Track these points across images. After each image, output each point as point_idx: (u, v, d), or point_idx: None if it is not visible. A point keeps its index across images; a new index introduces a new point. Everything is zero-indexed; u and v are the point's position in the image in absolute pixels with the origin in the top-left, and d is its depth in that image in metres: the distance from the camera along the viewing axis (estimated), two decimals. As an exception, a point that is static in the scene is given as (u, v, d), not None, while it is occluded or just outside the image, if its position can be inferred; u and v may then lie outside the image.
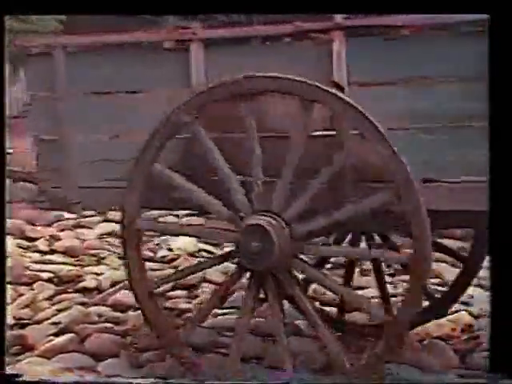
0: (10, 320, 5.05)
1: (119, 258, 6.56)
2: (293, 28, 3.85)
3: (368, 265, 6.69)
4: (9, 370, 3.94)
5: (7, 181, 4.03)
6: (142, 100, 4.16)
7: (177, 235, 6.17)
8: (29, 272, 6.37)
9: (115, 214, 6.46)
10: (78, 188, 4.29)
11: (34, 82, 4.35)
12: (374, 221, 3.82)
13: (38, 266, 6.57)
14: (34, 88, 4.35)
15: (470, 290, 5.44)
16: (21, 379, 3.76)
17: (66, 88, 4.24)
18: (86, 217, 8.04)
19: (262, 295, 3.86)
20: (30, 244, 7.25)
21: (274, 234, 3.62)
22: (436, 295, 5.19)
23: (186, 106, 3.78)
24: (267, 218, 3.67)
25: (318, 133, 3.75)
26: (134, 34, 4.13)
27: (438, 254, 5.37)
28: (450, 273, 5.88)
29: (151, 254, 6.74)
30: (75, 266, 6.59)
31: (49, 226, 7.78)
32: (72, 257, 6.73)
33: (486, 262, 4.88)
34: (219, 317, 5.34)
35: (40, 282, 6.20)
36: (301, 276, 3.99)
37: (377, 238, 5.09)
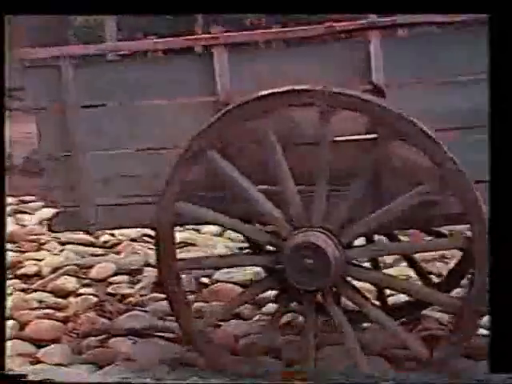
0: None
1: (60, 243, 6.49)
2: (325, 29, 3.76)
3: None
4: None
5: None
6: (163, 110, 3.98)
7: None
8: (-33, 258, 6.25)
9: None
10: (96, 206, 4.08)
11: (38, 95, 4.07)
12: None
13: (-24, 253, 6.45)
14: (39, 101, 4.08)
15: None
16: (23, 379, 3.77)
17: (77, 100, 4.02)
18: (26, 202, 7.93)
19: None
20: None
21: (327, 249, 3.59)
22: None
23: (205, 134, 3.68)
24: (318, 233, 3.63)
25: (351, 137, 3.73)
26: (153, 42, 4.03)
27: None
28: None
29: (93, 240, 6.68)
30: (15, 251, 6.50)
31: (-12, 211, 7.64)
32: (12, 243, 6.64)
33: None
34: (160, 302, 5.32)
35: (-21, 269, 6.09)
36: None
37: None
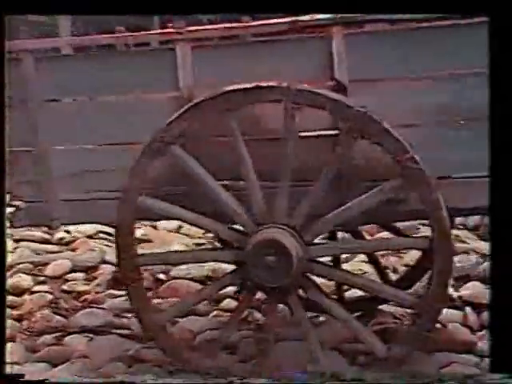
0: None
1: (14, 240, 6.42)
2: (290, 24, 3.73)
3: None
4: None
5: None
6: (126, 105, 3.95)
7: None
8: None
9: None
10: (60, 201, 4.04)
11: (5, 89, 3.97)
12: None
13: None
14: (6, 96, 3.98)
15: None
16: (21, 379, 3.74)
17: (40, 95, 3.97)
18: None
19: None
20: None
21: (290, 247, 3.56)
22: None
23: (170, 128, 3.65)
24: (278, 229, 3.61)
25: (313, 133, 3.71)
26: (117, 36, 3.97)
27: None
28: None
29: (48, 237, 6.62)
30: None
31: None
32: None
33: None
34: (116, 299, 5.30)
35: None
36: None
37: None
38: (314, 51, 3.73)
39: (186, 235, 6.96)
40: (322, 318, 4.74)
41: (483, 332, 4.66)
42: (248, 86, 3.55)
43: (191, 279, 5.64)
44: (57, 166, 4.00)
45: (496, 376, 3.43)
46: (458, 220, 5.53)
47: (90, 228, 6.75)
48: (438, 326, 4.87)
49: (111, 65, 3.93)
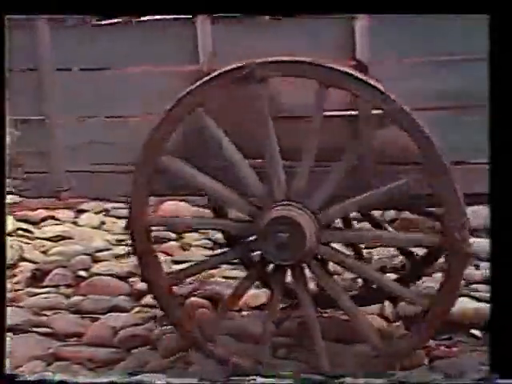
0: None
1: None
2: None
3: (190, 240, 6.73)
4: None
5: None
6: (137, 77, 3.86)
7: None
8: None
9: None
10: (66, 172, 3.96)
11: (13, 55, 3.89)
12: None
13: None
14: (14, 62, 3.90)
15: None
16: (21, 379, 3.70)
17: (53, 64, 3.89)
18: None
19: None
20: None
21: (305, 226, 3.53)
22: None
23: (199, 90, 3.57)
24: (293, 208, 3.57)
25: (337, 113, 3.66)
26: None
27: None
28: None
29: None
30: None
31: None
32: None
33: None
34: (35, 297, 5.25)
35: None
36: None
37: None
38: (336, 30, 3.68)
39: (107, 231, 6.92)
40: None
41: (399, 323, 4.76)
42: (285, 58, 3.49)
43: (112, 276, 5.61)
44: (66, 137, 3.94)
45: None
46: (377, 213, 5.61)
47: (8, 224, 6.65)
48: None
49: (128, 36, 3.85)
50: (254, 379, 3.62)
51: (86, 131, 3.93)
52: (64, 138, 3.93)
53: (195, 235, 6.78)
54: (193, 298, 5.25)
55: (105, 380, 3.78)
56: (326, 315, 4.91)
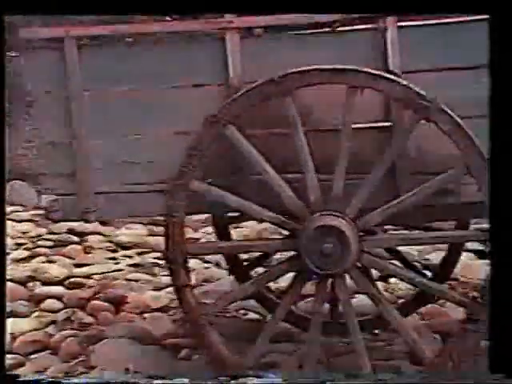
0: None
1: None
2: (341, 15, 3.67)
3: (93, 242, 6.65)
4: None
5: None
6: (166, 96, 3.83)
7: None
8: None
9: None
10: (94, 194, 3.89)
11: (38, 77, 3.86)
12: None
13: None
14: (38, 84, 3.86)
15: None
16: (21, 379, 3.67)
17: (79, 84, 3.83)
18: None
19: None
20: None
21: (348, 234, 3.51)
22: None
23: (226, 112, 3.56)
24: (333, 217, 3.55)
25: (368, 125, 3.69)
26: (163, 24, 3.85)
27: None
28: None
29: None
30: None
31: None
32: None
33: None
34: None
35: None
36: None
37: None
38: (367, 42, 3.70)
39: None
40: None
41: None
42: (307, 68, 3.50)
43: (11, 280, 5.50)
44: (92, 159, 3.88)
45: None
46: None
47: None
48: (257, 316, 5.00)
49: (156, 53, 3.84)
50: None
51: (114, 151, 3.88)
52: (92, 159, 3.88)
53: (99, 237, 6.72)
54: (94, 301, 5.20)
55: (101, 380, 3.77)
56: (228, 315, 4.94)
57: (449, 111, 3.43)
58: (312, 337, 3.65)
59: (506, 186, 3.39)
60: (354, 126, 3.52)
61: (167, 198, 3.62)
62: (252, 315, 5.05)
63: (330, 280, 3.64)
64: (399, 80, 3.49)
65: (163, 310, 5.16)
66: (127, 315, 5.04)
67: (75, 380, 3.88)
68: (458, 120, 3.43)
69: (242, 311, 5.13)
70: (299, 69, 3.50)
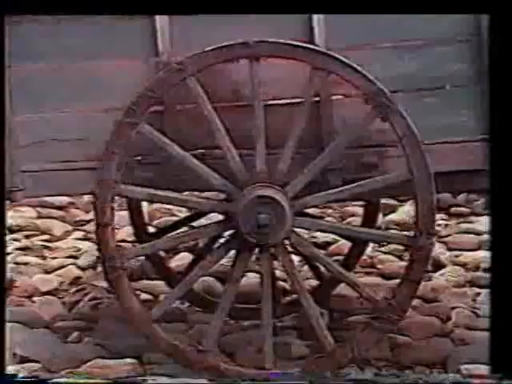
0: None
1: None
2: None
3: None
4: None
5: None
6: (92, 72, 3.74)
7: (164, 203, 5.09)
8: None
9: None
10: (21, 172, 3.75)
11: None
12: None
13: None
14: None
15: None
16: (21, 379, 3.65)
17: (8, 59, 3.68)
18: None
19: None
20: None
21: (286, 207, 3.50)
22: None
23: (192, 62, 3.50)
24: (274, 190, 3.53)
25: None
26: None
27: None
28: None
29: None
30: None
31: None
32: None
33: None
34: None
35: None
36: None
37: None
38: (294, 20, 3.69)
39: None
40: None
41: None
42: (281, 40, 3.49)
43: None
44: (19, 135, 3.75)
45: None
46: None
47: None
48: (150, 297, 4.98)
49: (85, 30, 3.74)
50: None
51: (41, 129, 3.77)
52: (19, 136, 3.76)
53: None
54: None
55: (103, 380, 3.72)
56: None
57: (406, 115, 3.46)
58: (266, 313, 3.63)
59: (506, 186, 3.41)
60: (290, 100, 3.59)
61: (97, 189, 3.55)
62: (145, 296, 5.01)
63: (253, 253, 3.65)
64: (366, 73, 3.48)
65: (53, 293, 5.09)
66: (16, 299, 4.95)
67: (83, 380, 3.81)
68: (413, 127, 3.46)
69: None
70: (276, 40, 3.49)
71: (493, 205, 3.48)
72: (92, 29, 3.74)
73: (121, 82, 3.73)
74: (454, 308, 4.66)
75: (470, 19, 3.64)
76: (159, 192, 3.61)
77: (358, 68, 3.48)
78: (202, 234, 3.88)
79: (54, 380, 3.74)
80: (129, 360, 3.95)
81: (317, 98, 3.67)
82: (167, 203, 4.18)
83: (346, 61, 3.47)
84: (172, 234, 4.35)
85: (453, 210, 6.23)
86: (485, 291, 4.75)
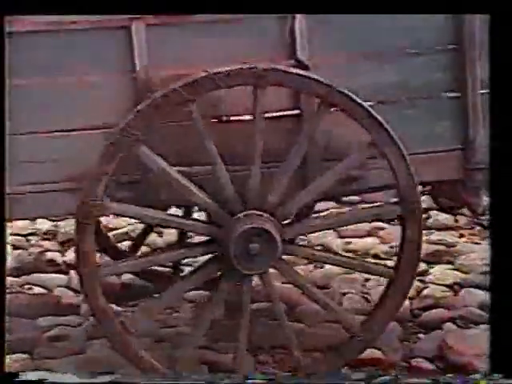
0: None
1: None
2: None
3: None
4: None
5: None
6: (76, 86, 3.58)
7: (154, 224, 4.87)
8: None
9: None
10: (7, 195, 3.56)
11: None
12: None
13: None
14: None
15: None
16: (21, 379, 3.61)
17: None
18: None
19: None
20: None
21: (276, 236, 3.50)
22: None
23: (134, 124, 3.40)
24: (265, 219, 3.52)
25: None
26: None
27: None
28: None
29: None
30: None
31: None
32: None
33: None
34: None
35: None
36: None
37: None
38: (276, 29, 3.64)
39: None
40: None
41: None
42: (219, 70, 3.40)
43: None
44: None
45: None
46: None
47: None
48: (44, 291, 4.95)
49: (61, 43, 3.60)
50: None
51: (20, 148, 3.58)
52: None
53: None
54: None
55: (104, 380, 3.70)
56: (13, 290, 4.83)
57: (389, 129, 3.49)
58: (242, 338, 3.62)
59: (506, 186, 3.42)
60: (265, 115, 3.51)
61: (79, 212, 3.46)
62: (38, 289, 4.97)
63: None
64: (311, 75, 3.47)
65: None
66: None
67: (85, 380, 3.77)
68: (363, 103, 3.47)
69: (27, 286, 5.04)
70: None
71: (492, 206, 3.49)
72: (69, 42, 3.61)
73: (96, 99, 3.61)
74: (345, 294, 4.79)
75: (450, 28, 3.68)
76: (150, 212, 3.55)
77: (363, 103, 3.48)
78: (185, 254, 3.83)
79: (54, 380, 3.71)
80: (20, 355, 3.98)
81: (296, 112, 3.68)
82: (157, 224, 4.19)
83: (355, 97, 3.46)
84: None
85: (344, 198, 6.39)
86: (374, 277, 4.89)
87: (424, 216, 5.50)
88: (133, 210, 3.55)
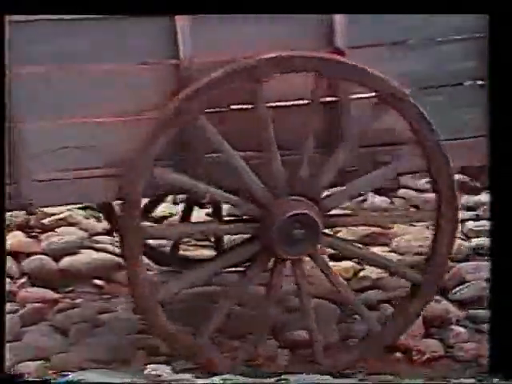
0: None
1: None
2: None
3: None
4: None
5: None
6: (111, 76, 3.59)
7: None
8: None
9: None
10: (33, 182, 3.56)
11: None
12: None
13: None
14: None
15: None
16: (21, 379, 3.66)
17: (14, 64, 3.46)
18: None
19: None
20: None
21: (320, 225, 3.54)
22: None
23: (195, 96, 3.45)
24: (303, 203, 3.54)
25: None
26: None
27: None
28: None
29: None
30: None
31: None
32: None
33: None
34: None
35: None
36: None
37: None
38: (314, 22, 3.65)
39: None
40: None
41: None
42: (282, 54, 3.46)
43: None
44: (32, 143, 3.55)
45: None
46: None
47: None
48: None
49: (101, 31, 3.59)
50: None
51: (53, 135, 3.59)
52: (30, 144, 3.56)
53: None
54: None
55: (106, 380, 3.68)
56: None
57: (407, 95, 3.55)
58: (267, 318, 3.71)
59: (506, 186, 3.45)
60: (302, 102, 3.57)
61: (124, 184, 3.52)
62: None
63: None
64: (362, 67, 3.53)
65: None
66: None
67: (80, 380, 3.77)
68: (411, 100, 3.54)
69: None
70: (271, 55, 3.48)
71: (493, 206, 3.53)
72: (110, 30, 3.61)
73: (137, 87, 3.62)
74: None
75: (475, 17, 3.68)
76: (201, 184, 3.56)
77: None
78: (225, 230, 3.95)
79: (54, 380, 3.74)
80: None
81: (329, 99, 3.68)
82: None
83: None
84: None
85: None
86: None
87: (361, 199, 5.71)
88: (188, 181, 3.56)
